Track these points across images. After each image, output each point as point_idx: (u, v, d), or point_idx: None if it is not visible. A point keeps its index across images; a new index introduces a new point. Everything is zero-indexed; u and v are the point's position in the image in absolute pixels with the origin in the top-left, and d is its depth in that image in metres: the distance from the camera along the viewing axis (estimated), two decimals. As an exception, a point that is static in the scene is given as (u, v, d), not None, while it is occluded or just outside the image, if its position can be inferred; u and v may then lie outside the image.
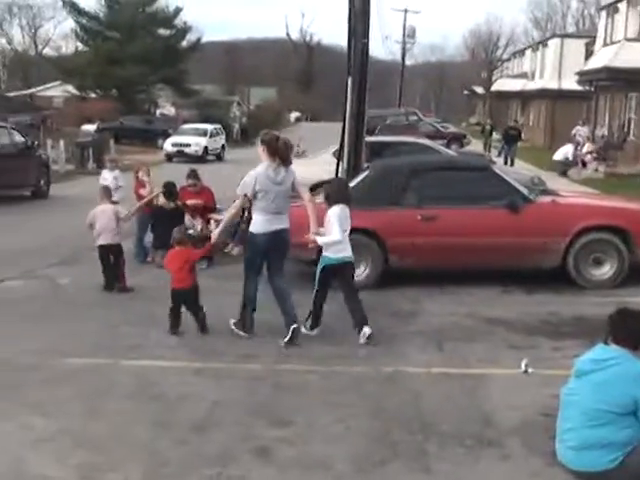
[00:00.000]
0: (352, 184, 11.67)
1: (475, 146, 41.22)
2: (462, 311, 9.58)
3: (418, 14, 73.36)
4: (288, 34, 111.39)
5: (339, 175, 13.39)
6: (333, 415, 6.30)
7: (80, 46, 64.19)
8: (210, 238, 9.12)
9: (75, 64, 57.78)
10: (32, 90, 63.31)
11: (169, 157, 39.03)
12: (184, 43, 61.40)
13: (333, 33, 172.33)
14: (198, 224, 12.92)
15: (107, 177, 14.53)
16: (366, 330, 8.21)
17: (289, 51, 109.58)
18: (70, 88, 57.35)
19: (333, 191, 8.68)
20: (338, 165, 13.58)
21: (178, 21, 60.11)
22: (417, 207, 10.74)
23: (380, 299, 10.10)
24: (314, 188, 15.60)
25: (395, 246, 10.68)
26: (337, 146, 14.53)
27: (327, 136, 27.76)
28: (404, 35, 67.39)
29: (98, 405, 6.49)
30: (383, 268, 10.74)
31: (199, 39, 62.10)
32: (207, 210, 13.26)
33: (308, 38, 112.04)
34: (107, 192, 11.14)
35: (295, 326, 8.21)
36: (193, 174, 13.45)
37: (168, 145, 40.15)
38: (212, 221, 13.33)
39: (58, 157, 31.35)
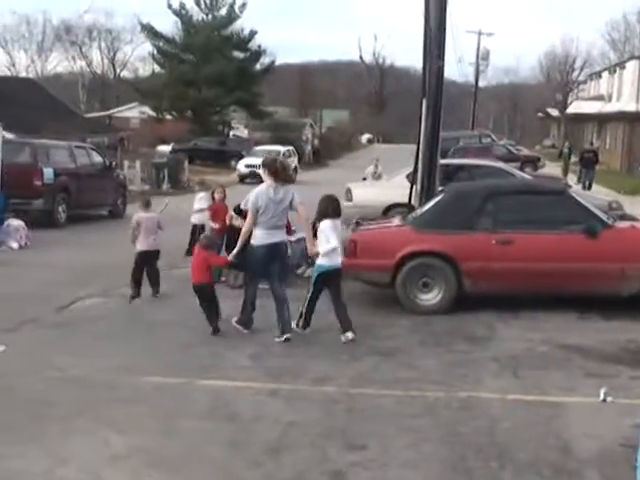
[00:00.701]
0: (426, 207, 11.68)
1: (549, 169, 40.68)
2: (537, 337, 9.42)
3: (492, 36, 72.53)
4: (361, 57, 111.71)
5: (413, 198, 13.37)
6: (408, 440, 6.25)
7: (157, 68, 65.56)
8: None
9: (152, 86, 58.99)
10: (110, 111, 64.76)
11: (242, 178, 39.47)
12: (258, 66, 62.10)
13: (406, 55, 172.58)
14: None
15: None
16: (349, 335, 9.17)
17: (361, 73, 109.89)
18: (146, 110, 58.52)
19: (325, 206, 9.46)
20: (412, 188, 13.55)
21: (252, 44, 60.89)
22: (492, 231, 10.63)
23: (454, 323, 10.03)
24: (388, 210, 15.69)
25: (469, 270, 10.58)
26: (410, 169, 14.51)
27: (399, 158, 27.73)
28: (478, 57, 66.99)
29: (173, 424, 6.55)
30: (457, 292, 10.65)
31: (273, 62, 62.78)
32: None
33: (381, 60, 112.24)
34: (148, 202, 11.97)
35: (288, 335, 9.14)
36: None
37: (241, 166, 40.62)
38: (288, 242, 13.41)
39: (134, 177, 31.98)
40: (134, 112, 61.84)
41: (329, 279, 9.40)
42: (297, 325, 9.46)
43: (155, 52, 62.15)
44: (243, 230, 9.29)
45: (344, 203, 16.98)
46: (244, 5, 59.35)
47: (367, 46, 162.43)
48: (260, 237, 9.14)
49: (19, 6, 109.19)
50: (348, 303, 11.33)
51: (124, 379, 7.65)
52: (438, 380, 7.78)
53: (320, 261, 9.35)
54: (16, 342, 9.03)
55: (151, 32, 60.42)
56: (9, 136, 22.12)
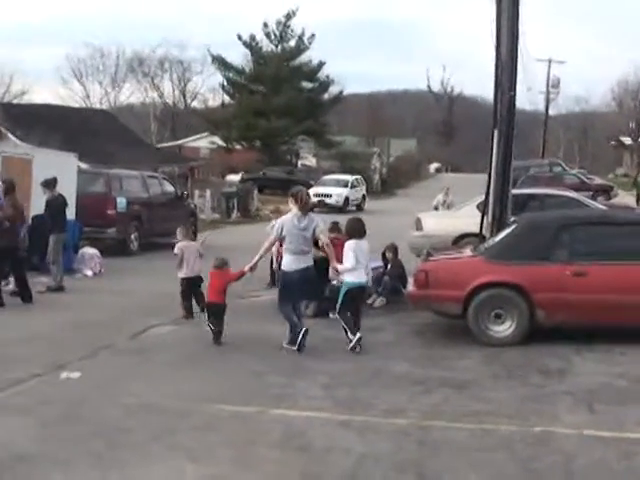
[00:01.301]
0: (498, 238, 11.57)
1: (623, 198, 39.95)
2: (614, 371, 9.22)
3: (563, 64, 71.81)
4: (429, 86, 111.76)
5: (484, 229, 13.28)
6: (481, 474, 6.16)
7: (227, 99, 66.58)
8: None
9: (222, 116, 59.91)
10: (180, 141, 65.75)
11: (311, 207, 39.62)
12: (326, 96, 62.61)
13: (474, 84, 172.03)
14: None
15: None
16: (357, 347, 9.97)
17: (430, 103, 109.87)
18: (216, 140, 59.36)
19: (351, 228, 10.59)
20: (483, 218, 13.45)
21: (321, 74, 61.48)
22: (567, 262, 10.46)
23: (527, 356, 9.88)
24: (458, 240, 15.58)
25: (542, 302, 10.42)
26: (481, 198, 14.42)
27: (468, 188, 27.50)
28: (548, 85, 66.38)
29: (247, 453, 6.57)
30: (530, 324, 10.49)
31: (341, 92, 63.22)
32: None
33: (449, 89, 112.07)
34: (188, 231, 13.17)
35: (286, 345, 10.05)
36: (335, 227, 13.59)
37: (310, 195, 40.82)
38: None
39: (205, 206, 32.42)
40: (204, 142, 62.72)
41: (355, 295, 10.23)
42: (353, 349, 9.97)
43: (225, 83, 63.27)
44: (262, 248, 10.32)
45: (413, 233, 17.03)
46: (313, 36, 60.13)
47: (435, 75, 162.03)
48: (288, 263, 10.03)
49: (93, 39, 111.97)
50: (419, 333, 11.32)
51: (198, 407, 7.71)
52: (512, 414, 7.66)
53: (347, 278, 10.26)
54: (92, 368, 9.19)
55: (222, 63, 61.45)
56: (84, 166, 22.66)
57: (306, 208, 10.16)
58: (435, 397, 8.23)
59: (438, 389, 8.52)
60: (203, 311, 11.64)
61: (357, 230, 10.47)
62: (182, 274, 12.33)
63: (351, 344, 9.99)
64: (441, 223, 17.33)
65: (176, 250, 12.42)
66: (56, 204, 14.98)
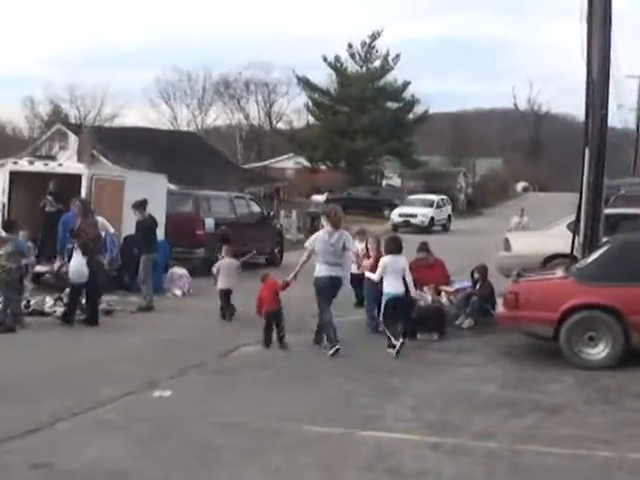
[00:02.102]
0: (590, 259, 11.33)
1: None
2: None
3: (654, 80, 70.10)
4: (515, 104, 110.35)
5: (575, 249, 13.04)
6: (577, 502, 6.01)
7: (311, 120, 67.03)
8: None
9: (307, 137, 60.35)
10: (266, 162, 66.43)
11: (395, 227, 39.54)
12: (411, 115, 62.48)
13: (562, 102, 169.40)
14: (428, 295, 12.91)
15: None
16: (391, 351, 10.92)
17: (516, 121, 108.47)
18: (301, 160, 59.80)
19: (387, 245, 11.94)
20: (574, 238, 13.20)
21: (406, 94, 61.40)
22: (662, 284, 10.18)
23: (622, 379, 9.64)
24: (547, 261, 15.29)
25: (637, 324, 10.15)
26: (571, 218, 14.17)
27: (556, 207, 27.08)
28: None
29: (337, 475, 6.54)
30: (624, 347, 10.22)
31: (426, 111, 63.01)
32: (440, 281, 13.29)
33: (536, 108, 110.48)
34: (230, 250, 14.79)
35: (338, 347, 10.97)
36: (424, 247, 13.51)
37: (395, 215, 40.76)
38: (442, 293, 13.34)
39: (290, 226, 32.63)
40: (289, 163, 63.29)
41: (394, 304, 11.33)
42: (396, 353, 10.90)
43: (310, 104, 63.73)
44: (300, 261, 11.69)
45: (502, 253, 16.79)
46: (398, 56, 60.18)
47: (522, 93, 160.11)
48: (320, 271, 11.28)
49: (181, 63, 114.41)
50: (508, 355, 11.15)
51: (287, 427, 7.72)
52: (607, 439, 7.46)
53: (385, 289, 11.46)
54: (182, 387, 9.31)
55: (307, 85, 61.99)
56: (172, 187, 23.08)
57: (337, 225, 11.37)
58: (526, 420, 8.09)
59: (529, 412, 8.37)
60: (225, 318, 14.04)
61: (393, 247, 11.73)
62: (219, 286, 14.31)
63: (394, 350, 10.86)
64: (530, 243, 17.03)
65: (214, 268, 14.64)
66: (146, 225, 15.29)
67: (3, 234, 13.86)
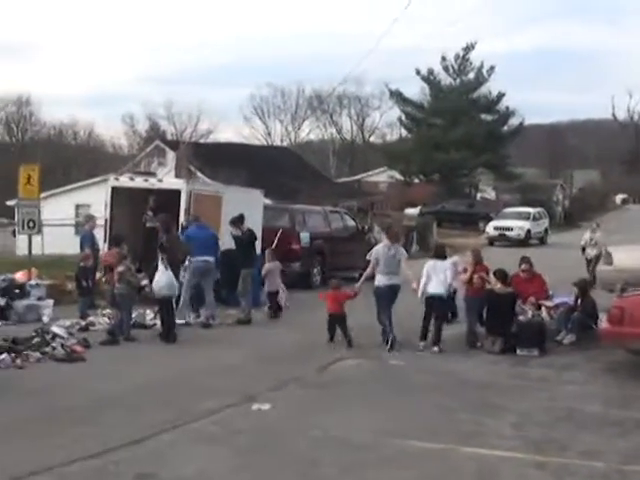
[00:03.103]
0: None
1: None
2: None
3: None
4: (614, 114, 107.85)
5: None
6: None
7: (404, 133, 66.84)
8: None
9: (400, 151, 60.16)
10: (359, 176, 66.49)
11: (491, 241, 39.00)
12: (505, 127, 61.65)
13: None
14: (528, 309, 12.68)
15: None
16: (435, 349, 12.32)
17: (613, 132, 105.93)
18: (395, 174, 59.63)
19: (434, 251, 13.76)
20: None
21: (500, 106, 60.62)
22: None
23: None
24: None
25: None
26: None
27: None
28: None
29: (439, 492, 6.47)
30: None
31: (521, 123, 62.04)
32: (540, 296, 13.05)
33: (636, 117, 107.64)
34: (273, 254, 16.35)
35: (388, 347, 12.35)
36: (526, 261, 13.28)
37: (490, 228, 40.18)
38: (543, 307, 13.08)
39: (384, 240, 32.47)
40: (382, 176, 63.16)
41: (430, 302, 12.58)
42: (439, 350, 12.26)
43: (403, 117, 63.54)
44: (365, 273, 13.17)
45: (603, 267, 16.39)
46: (492, 68, 59.45)
47: (620, 103, 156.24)
48: (381, 280, 12.74)
49: (275, 79, 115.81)
50: (611, 372, 10.85)
51: (387, 441, 7.67)
52: None
53: (427, 290, 12.59)
54: (281, 400, 9.34)
55: (400, 98, 61.82)
56: (268, 202, 23.27)
57: (394, 239, 13.22)
58: (634, 440, 7.86)
59: (636, 431, 8.12)
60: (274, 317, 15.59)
61: (437, 254, 13.31)
62: (267, 288, 15.78)
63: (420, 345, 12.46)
64: (633, 257, 16.56)
65: (263, 271, 15.85)
66: (245, 239, 15.45)
67: (105, 249, 14.20)
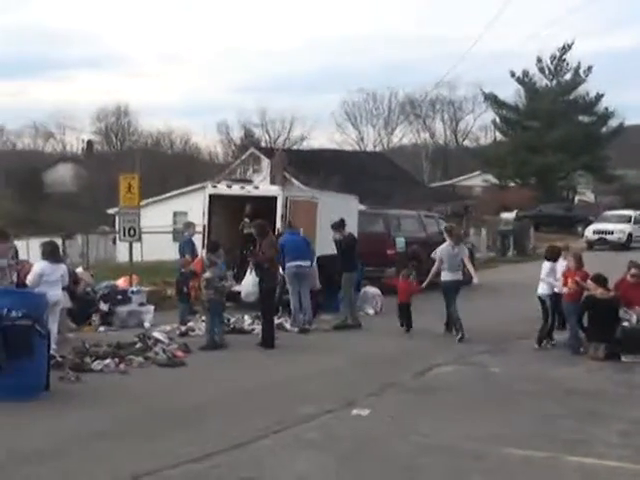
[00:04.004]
0: None
1: None
2: None
3: None
4: None
5: None
6: None
7: (499, 136, 65.93)
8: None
9: (494, 154, 59.41)
10: (453, 180, 65.96)
11: (590, 244, 38.10)
12: (604, 129, 60.19)
13: None
14: (634, 314, 12.29)
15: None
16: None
17: None
18: (490, 177, 58.92)
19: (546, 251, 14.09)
20: None
21: (598, 107, 59.24)
22: None
23: None
24: None
25: None
26: None
27: None
28: None
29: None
30: None
31: (621, 124, 60.43)
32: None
33: None
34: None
35: (459, 336, 13.81)
36: (636, 265, 12.88)
37: (589, 232, 39.28)
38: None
39: (480, 245, 32.16)
40: (476, 180, 62.51)
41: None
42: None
43: (498, 120, 62.73)
44: (432, 271, 14.48)
45: None
46: (589, 68, 58.15)
47: None
48: (447, 275, 14.19)
49: (367, 84, 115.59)
50: None
51: (488, 449, 7.54)
52: None
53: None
54: (379, 406, 9.29)
55: (494, 101, 61.10)
56: (361, 207, 23.26)
57: (458, 239, 14.65)
58: None
59: None
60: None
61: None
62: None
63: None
64: None
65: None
66: (346, 243, 15.49)
67: (206, 255, 14.39)
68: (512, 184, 57.88)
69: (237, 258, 17.23)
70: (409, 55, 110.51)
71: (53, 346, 10.62)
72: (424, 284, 14.59)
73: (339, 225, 15.57)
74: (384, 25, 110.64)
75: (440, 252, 14.35)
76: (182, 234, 17.30)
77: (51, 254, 11.62)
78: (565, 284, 12.63)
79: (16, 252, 12.79)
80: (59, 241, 17.80)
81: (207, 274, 13.21)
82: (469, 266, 14.71)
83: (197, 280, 14.07)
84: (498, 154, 58.49)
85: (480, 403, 9.48)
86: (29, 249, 21.75)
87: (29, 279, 11.29)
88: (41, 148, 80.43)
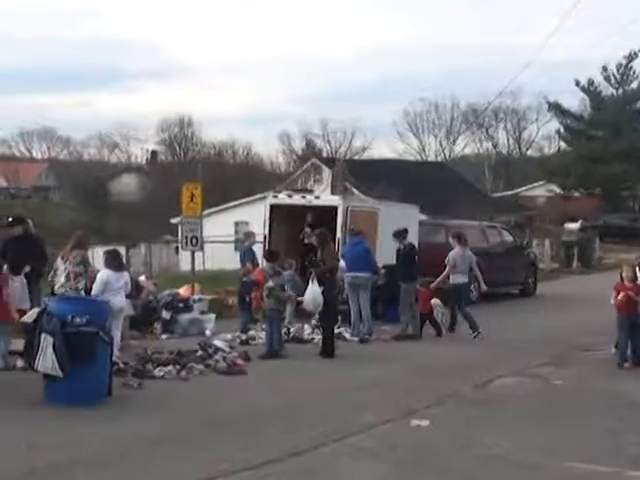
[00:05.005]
0: None
1: None
2: None
3: None
4: None
5: None
6: None
7: (563, 146, 65.09)
8: None
9: (558, 164, 58.68)
10: (516, 190, 65.28)
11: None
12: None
13: None
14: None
15: None
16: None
17: None
18: (553, 187, 58.18)
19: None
20: None
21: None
22: None
23: None
24: None
25: None
26: None
27: None
28: None
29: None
30: None
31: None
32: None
33: None
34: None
35: (475, 334, 14.96)
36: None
37: (655, 243, 38.55)
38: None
39: (543, 255, 31.74)
40: (541, 190, 61.75)
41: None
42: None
43: (562, 130, 61.96)
44: (443, 274, 15.66)
45: None
46: (657, 77, 57.09)
47: None
48: (458, 278, 15.55)
49: (428, 94, 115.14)
50: None
51: (550, 462, 7.43)
52: None
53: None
54: (440, 417, 9.22)
55: (558, 110, 60.36)
56: (422, 217, 23.18)
57: (465, 245, 15.91)
58: None
59: None
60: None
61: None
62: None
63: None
64: None
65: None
66: (406, 253, 15.43)
67: (266, 264, 14.48)
68: (576, 194, 57.06)
69: (298, 268, 17.28)
70: (472, 63, 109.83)
71: (116, 352, 10.76)
72: (432, 285, 15.61)
73: (401, 234, 15.52)
74: (446, 33, 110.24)
75: (453, 257, 15.68)
76: (243, 243, 17.43)
77: (114, 262, 11.80)
78: (617, 297, 12.34)
79: (85, 259, 12.86)
80: (123, 250, 18.05)
81: (269, 283, 13.31)
82: (477, 272, 16.11)
83: (259, 289, 14.15)
84: (562, 164, 57.74)
85: (542, 415, 9.36)
86: (94, 258, 22.12)
87: (93, 287, 11.49)
88: (106, 158, 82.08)
